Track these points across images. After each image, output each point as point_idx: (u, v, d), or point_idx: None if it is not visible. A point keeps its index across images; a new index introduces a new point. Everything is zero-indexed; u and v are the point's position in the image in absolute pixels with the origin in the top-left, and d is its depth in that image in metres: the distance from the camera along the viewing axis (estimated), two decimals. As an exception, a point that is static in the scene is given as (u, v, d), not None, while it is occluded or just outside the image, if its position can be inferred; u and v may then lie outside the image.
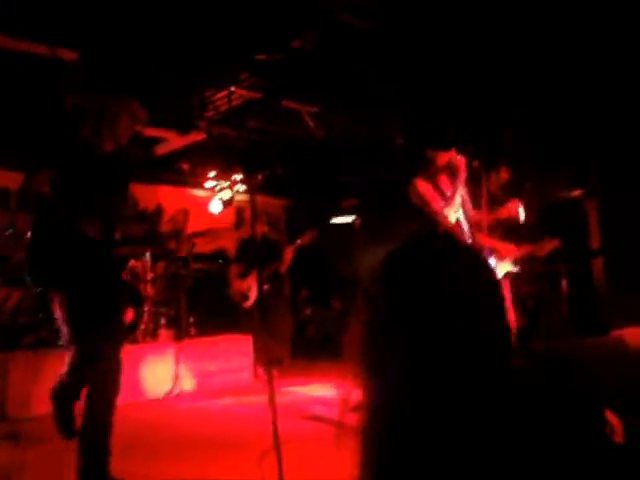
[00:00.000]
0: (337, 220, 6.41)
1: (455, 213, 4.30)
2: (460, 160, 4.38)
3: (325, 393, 6.34)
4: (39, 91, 5.88)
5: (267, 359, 3.58)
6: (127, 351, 3.62)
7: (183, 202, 8.89)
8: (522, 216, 5.04)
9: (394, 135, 7.97)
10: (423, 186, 4.34)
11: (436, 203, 4.25)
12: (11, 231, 6.79)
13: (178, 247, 7.44)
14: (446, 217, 4.23)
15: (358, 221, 5.62)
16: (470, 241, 4.36)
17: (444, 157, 4.41)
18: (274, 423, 3.07)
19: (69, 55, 5.41)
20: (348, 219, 5.93)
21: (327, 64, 6.15)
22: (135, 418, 3.68)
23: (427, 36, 5.63)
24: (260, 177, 8.11)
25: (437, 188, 4.37)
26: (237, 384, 7.00)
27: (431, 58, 5.98)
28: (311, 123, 7.52)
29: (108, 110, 3.53)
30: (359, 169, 9.30)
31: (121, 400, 4.67)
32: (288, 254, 7.35)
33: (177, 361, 6.53)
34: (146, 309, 6.86)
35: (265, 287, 7.09)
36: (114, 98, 3.61)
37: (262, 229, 7.46)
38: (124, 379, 3.53)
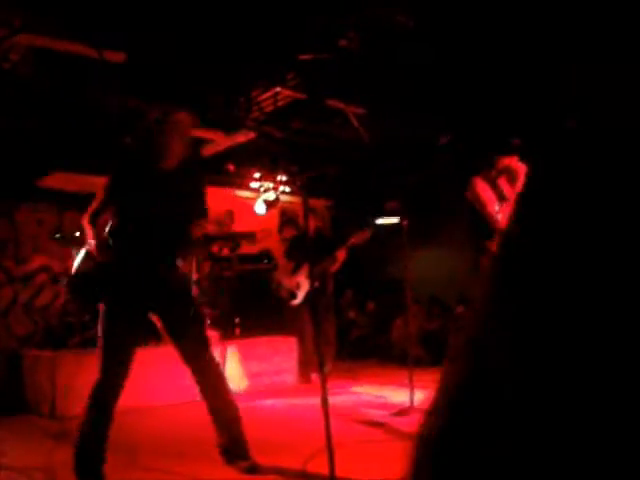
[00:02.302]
0: (381, 221, 6.33)
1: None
2: (521, 167, 4.31)
3: (368, 395, 6.28)
4: (86, 93, 5.95)
5: (319, 361, 3.54)
6: (172, 352, 3.70)
7: (228, 203, 8.94)
8: None
9: (439, 135, 7.87)
10: (481, 186, 4.27)
11: (492, 206, 4.18)
12: (58, 236, 6.95)
13: (222, 248, 7.50)
14: (498, 221, 4.15)
15: (405, 222, 5.53)
16: None
17: (505, 161, 4.35)
18: (327, 425, 3.04)
19: (116, 57, 5.46)
20: (392, 220, 5.85)
21: (373, 64, 6.09)
22: (181, 419, 3.68)
23: (476, 34, 5.53)
24: (305, 177, 8.10)
25: (495, 188, 4.30)
26: (282, 385, 6.99)
27: (483, 57, 5.88)
28: (357, 124, 7.47)
29: (171, 127, 3.60)
30: (404, 170, 9.21)
31: (168, 400, 4.74)
32: (341, 254, 7.16)
33: (222, 362, 6.54)
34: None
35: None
36: (172, 113, 3.66)
37: (316, 223, 7.34)
38: (170, 380, 3.64)
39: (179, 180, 3.64)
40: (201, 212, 3.74)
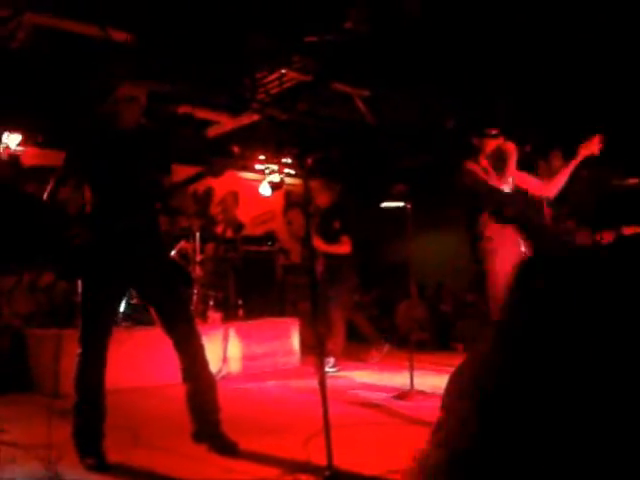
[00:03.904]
0: (387, 205, 6.29)
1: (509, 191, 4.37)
2: (509, 146, 4.40)
3: (369, 378, 6.32)
4: (90, 72, 5.94)
5: (319, 343, 3.55)
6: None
7: (233, 185, 8.93)
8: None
9: (445, 119, 7.84)
10: (473, 166, 4.37)
11: (491, 180, 4.30)
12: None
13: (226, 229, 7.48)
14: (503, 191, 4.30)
15: (409, 206, 5.52)
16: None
17: (492, 144, 4.43)
18: (324, 407, 3.06)
19: (121, 36, 5.44)
20: (398, 204, 5.83)
21: (379, 47, 6.06)
22: (182, 399, 3.72)
23: (477, 19, 5.51)
24: (310, 160, 8.06)
25: (486, 173, 4.40)
26: (283, 367, 7.03)
27: (481, 41, 5.86)
28: (362, 107, 7.44)
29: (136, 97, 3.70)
30: (410, 154, 9.19)
31: (168, 380, 4.78)
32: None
33: (225, 343, 6.58)
34: (195, 291, 6.92)
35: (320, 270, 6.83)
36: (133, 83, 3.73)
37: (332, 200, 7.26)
38: (171, 360, 3.69)
39: (140, 144, 3.71)
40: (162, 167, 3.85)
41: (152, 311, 3.75)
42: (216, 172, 3.73)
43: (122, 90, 3.65)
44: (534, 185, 4.66)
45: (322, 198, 7.07)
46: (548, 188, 4.71)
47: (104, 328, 3.57)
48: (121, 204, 3.59)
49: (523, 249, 4.34)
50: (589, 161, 5.20)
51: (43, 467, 3.35)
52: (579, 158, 4.85)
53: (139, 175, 3.65)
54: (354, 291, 6.99)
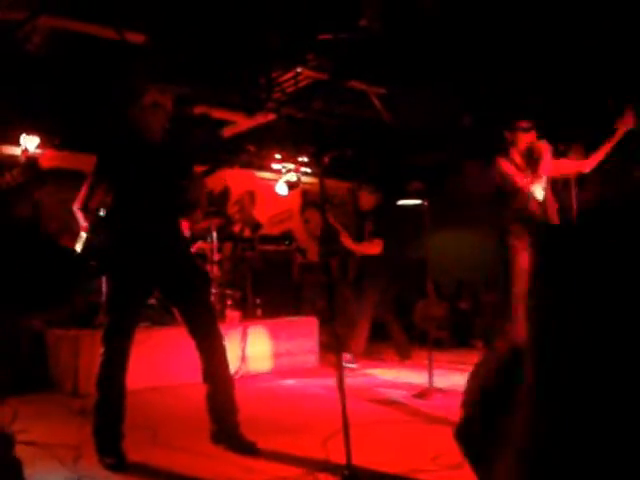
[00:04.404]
0: (403, 203, 6.26)
1: (543, 191, 4.34)
2: (542, 145, 4.41)
3: (388, 376, 6.30)
4: (107, 74, 5.97)
5: (337, 342, 3.54)
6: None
7: (250, 184, 8.95)
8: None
9: (461, 116, 7.79)
10: (506, 165, 4.36)
11: (521, 179, 4.30)
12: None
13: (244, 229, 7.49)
14: (532, 193, 4.28)
15: (426, 203, 5.50)
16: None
17: (524, 138, 4.45)
18: (343, 406, 3.05)
19: (136, 38, 5.46)
20: (414, 202, 5.80)
21: (395, 44, 6.03)
22: (201, 398, 3.72)
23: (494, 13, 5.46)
24: (327, 159, 8.05)
25: (518, 168, 4.40)
26: (302, 366, 7.01)
27: (503, 36, 5.80)
28: (378, 104, 7.41)
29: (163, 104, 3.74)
30: (426, 151, 9.14)
31: (186, 380, 4.79)
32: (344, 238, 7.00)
33: (243, 342, 6.58)
34: (213, 290, 6.93)
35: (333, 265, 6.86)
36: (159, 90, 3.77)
37: (371, 203, 7.21)
38: (190, 360, 3.69)
39: (165, 151, 3.75)
40: (187, 176, 3.86)
41: (175, 312, 3.77)
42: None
43: (148, 96, 3.67)
44: (570, 165, 4.72)
45: (367, 200, 7.14)
46: (586, 163, 4.73)
47: (127, 328, 3.58)
48: (146, 208, 3.62)
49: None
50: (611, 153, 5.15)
51: (63, 466, 3.38)
52: (620, 132, 4.80)
53: (164, 181, 3.68)
54: (384, 292, 6.97)
